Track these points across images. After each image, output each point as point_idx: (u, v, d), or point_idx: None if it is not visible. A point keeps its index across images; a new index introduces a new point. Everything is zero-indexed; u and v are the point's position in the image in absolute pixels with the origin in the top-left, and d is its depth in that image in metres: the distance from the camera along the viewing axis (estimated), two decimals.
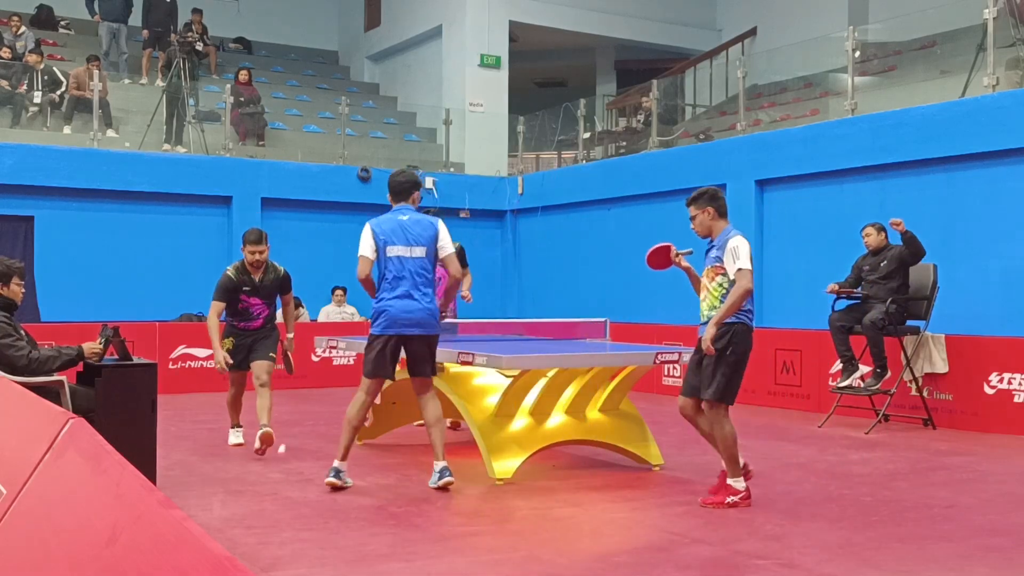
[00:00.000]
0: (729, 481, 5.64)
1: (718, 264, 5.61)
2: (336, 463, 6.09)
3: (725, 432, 5.60)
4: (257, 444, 7.13)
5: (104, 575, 2.20)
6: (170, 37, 15.92)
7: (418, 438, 8.16)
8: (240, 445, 7.67)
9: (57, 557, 2.48)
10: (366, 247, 6.10)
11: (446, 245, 6.18)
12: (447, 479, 5.98)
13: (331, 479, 6.04)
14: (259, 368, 7.46)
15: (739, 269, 5.47)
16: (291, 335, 7.74)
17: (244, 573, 1.79)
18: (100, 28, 16.15)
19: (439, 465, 6.02)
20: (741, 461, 5.69)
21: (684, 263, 5.95)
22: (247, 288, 7.41)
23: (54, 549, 2.52)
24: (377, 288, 6.14)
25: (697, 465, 6.85)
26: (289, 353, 7.69)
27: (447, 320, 8.34)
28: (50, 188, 12.66)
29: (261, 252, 7.37)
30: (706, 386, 5.59)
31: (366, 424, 7.72)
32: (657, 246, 6.01)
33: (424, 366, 6.19)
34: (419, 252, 6.10)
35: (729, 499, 5.60)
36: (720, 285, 5.61)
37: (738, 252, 5.50)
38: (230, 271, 7.44)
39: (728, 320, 5.52)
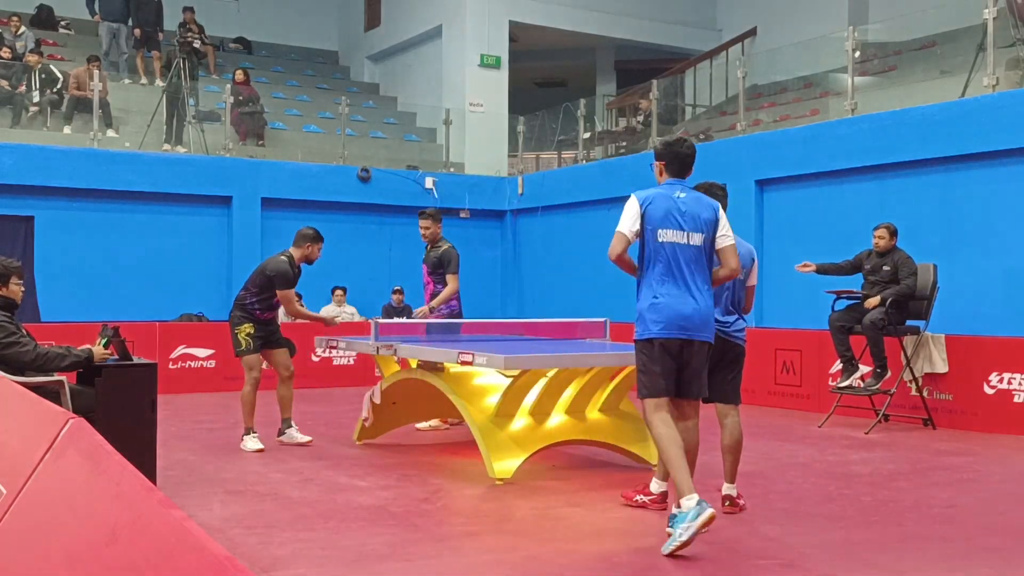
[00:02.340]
0: (653, 480, 5.56)
1: None
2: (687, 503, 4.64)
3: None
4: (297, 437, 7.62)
5: (104, 575, 2.20)
6: (158, 36, 15.93)
7: (418, 438, 8.16)
8: (261, 451, 7.32)
9: (57, 557, 2.48)
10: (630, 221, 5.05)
11: (726, 234, 5.11)
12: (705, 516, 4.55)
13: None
14: (286, 357, 7.72)
15: None
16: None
17: (244, 573, 1.78)
18: (100, 28, 16.18)
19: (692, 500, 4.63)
20: (661, 487, 5.47)
21: None
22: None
23: (54, 549, 2.52)
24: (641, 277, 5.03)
25: (697, 465, 6.83)
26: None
27: (441, 320, 8.34)
28: (50, 188, 12.67)
29: None
30: None
31: (366, 424, 7.73)
32: None
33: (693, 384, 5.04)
34: (696, 239, 5.00)
35: (638, 498, 5.55)
36: None
37: None
38: (288, 264, 7.55)
39: None
